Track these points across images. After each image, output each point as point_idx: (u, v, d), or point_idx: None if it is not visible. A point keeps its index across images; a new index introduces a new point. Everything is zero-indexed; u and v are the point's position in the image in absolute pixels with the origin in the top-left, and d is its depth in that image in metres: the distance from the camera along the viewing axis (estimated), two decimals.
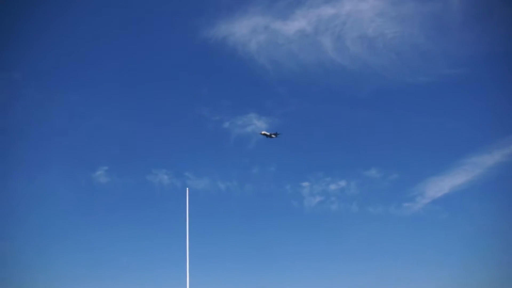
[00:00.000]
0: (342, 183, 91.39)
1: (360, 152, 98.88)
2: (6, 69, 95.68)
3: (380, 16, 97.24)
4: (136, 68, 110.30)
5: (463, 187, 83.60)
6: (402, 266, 72.39)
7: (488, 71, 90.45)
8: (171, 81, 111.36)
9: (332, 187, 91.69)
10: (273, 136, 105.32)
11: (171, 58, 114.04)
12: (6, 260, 71.06)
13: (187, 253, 31.56)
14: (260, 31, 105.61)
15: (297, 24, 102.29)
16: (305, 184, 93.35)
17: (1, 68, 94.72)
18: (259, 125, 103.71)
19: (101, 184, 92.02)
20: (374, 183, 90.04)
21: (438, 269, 69.33)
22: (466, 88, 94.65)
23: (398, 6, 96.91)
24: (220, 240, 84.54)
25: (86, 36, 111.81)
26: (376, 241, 79.52)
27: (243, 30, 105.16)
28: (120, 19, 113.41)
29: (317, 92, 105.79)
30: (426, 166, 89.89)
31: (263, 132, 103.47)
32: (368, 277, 70.69)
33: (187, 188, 38.05)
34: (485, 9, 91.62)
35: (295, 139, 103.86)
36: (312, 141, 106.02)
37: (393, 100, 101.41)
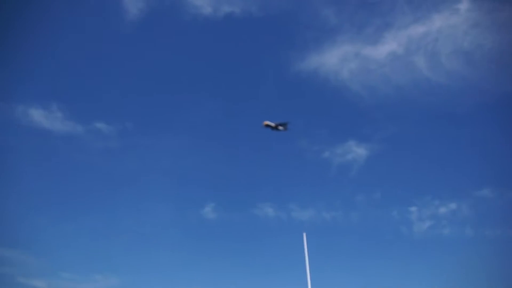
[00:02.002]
0: (453, 206, 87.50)
1: (469, 172, 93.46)
2: (121, 120, 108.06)
3: (475, 27, 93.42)
4: (233, 108, 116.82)
5: None
6: None
7: None
8: (268, 116, 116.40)
9: (442, 210, 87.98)
10: (280, 128, 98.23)
11: (265, 93, 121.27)
12: None
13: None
14: (350, 59, 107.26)
15: (387, 47, 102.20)
16: (413, 208, 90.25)
17: (117, 120, 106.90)
18: (359, 152, 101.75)
19: (209, 220, 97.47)
20: (489, 203, 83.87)
21: None
22: None
23: (494, 14, 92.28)
24: (328, 269, 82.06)
25: (183, 79, 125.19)
26: (496, 265, 73.97)
27: (334, 60, 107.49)
28: (214, 62, 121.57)
29: (415, 113, 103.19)
30: None
31: (266, 123, 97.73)
32: None
33: (304, 233, 39.55)
34: None
35: (398, 163, 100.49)
36: (416, 164, 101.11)
37: (498, 112, 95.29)
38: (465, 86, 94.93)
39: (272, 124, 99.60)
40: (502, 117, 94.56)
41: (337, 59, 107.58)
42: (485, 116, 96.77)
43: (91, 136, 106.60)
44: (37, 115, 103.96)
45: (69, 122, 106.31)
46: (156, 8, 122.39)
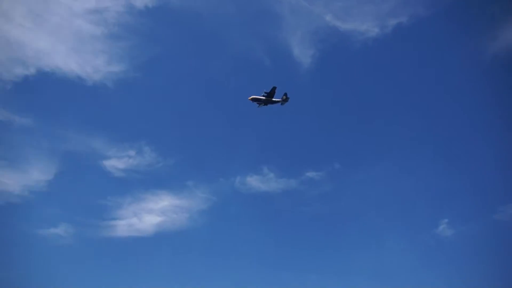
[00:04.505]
0: None
1: None
2: (328, 163, 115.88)
3: None
4: (438, 115, 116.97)
5: None
6: None
7: None
8: (463, 112, 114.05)
9: None
10: (276, 100, 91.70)
11: (465, 90, 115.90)
12: None
13: None
14: None
15: None
16: None
17: (324, 164, 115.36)
18: None
19: (448, 238, 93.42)
20: None
21: None
22: None
23: None
24: None
25: (374, 104, 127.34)
26: None
27: None
28: (399, 77, 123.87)
29: None
30: None
31: (252, 97, 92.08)
32: None
33: None
34: None
35: None
36: None
37: None
38: None
39: (262, 98, 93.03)
40: None
41: None
42: None
43: (305, 186, 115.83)
44: (253, 181, 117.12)
45: (282, 179, 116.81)
46: (324, 49, 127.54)
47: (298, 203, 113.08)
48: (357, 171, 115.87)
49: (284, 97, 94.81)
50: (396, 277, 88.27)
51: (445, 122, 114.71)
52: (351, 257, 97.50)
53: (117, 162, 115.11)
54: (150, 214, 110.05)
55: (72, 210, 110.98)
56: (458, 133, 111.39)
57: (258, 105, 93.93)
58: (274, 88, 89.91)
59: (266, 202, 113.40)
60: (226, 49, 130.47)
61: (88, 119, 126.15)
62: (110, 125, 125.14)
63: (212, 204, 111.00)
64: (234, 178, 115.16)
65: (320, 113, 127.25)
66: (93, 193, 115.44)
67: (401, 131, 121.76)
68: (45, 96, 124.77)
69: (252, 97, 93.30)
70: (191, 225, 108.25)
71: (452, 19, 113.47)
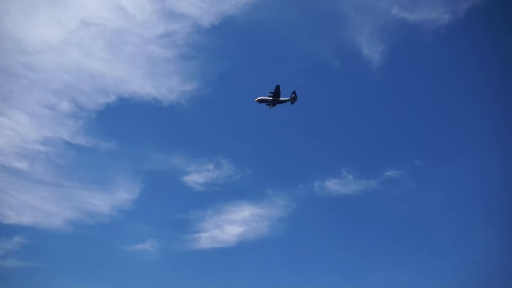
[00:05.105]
0: None
1: None
2: (408, 160, 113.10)
3: None
4: None
5: None
6: None
7: None
8: None
9: None
10: (283, 99, 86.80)
11: None
12: None
13: None
14: None
15: None
16: None
17: (404, 161, 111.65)
18: None
19: None
20: None
21: None
22: None
23: None
24: None
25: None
26: None
27: None
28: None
29: None
30: None
31: (259, 99, 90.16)
32: None
33: None
34: None
35: None
36: None
37: None
38: None
39: (268, 98, 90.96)
40: None
41: None
42: None
43: (385, 186, 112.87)
44: (332, 185, 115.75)
45: (361, 181, 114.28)
46: (394, 44, 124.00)
47: (379, 204, 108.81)
48: (440, 166, 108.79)
49: (293, 95, 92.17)
50: (488, 277, 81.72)
51: None
52: (439, 257, 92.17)
53: (197, 177, 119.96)
54: (231, 225, 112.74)
55: (157, 226, 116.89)
56: None
57: (269, 106, 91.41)
58: (278, 87, 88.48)
59: (346, 205, 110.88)
60: (294, 56, 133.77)
61: (166, 138, 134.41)
62: (188, 141, 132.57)
63: (292, 211, 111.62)
64: (313, 183, 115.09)
65: (394, 109, 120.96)
66: (176, 208, 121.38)
67: (484, 121, 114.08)
68: (125, 120, 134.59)
69: (258, 98, 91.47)
70: (272, 233, 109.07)
71: None
